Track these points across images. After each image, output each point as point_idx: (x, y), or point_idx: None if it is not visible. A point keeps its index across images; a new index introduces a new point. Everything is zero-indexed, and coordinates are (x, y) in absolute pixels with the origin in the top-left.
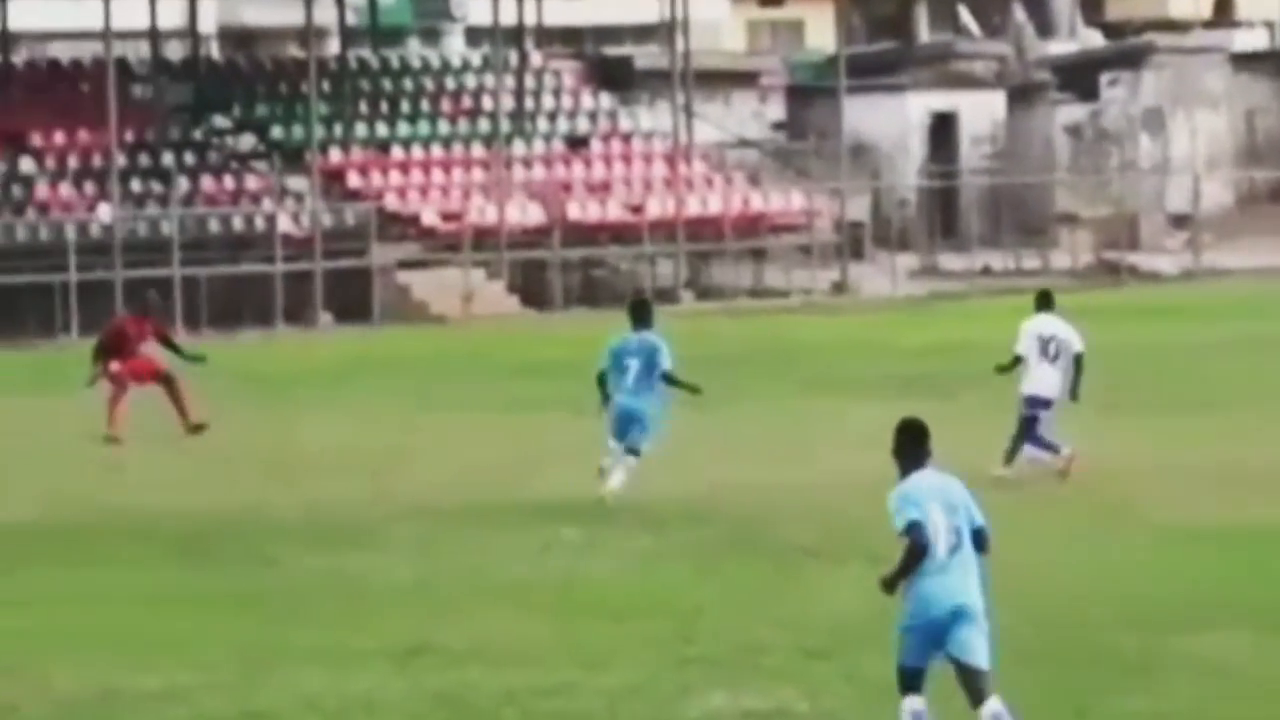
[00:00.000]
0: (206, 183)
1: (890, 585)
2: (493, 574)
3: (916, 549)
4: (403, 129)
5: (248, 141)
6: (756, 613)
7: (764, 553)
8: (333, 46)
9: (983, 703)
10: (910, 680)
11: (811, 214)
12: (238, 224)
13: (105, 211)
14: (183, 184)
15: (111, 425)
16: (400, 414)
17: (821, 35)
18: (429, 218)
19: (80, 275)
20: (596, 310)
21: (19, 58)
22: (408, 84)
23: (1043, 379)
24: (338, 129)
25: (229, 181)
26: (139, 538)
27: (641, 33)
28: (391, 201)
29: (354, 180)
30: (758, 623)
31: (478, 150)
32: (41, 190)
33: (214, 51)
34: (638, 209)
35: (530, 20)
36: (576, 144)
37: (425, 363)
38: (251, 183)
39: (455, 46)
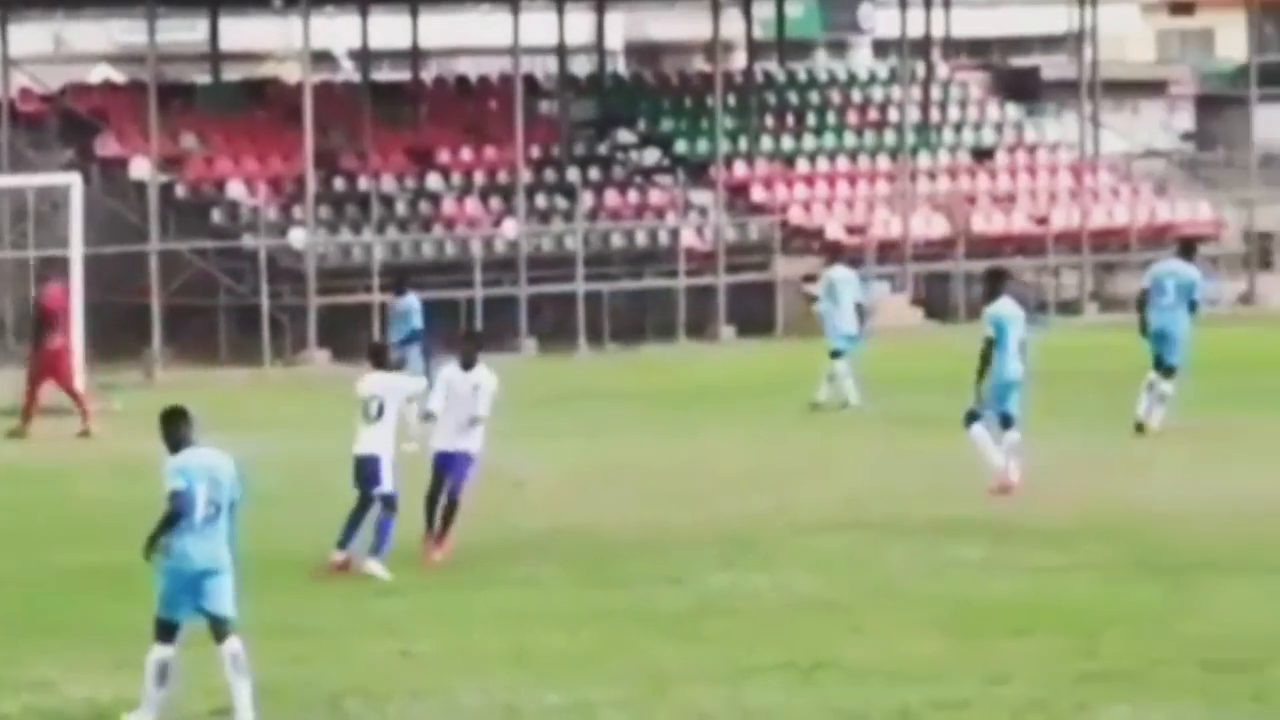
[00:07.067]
0: (611, 197)
1: (150, 542)
2: (892, 590)
3: (174, 513)
4: (808, 142)
5: (652, 156)
6: (1159, 628)
7: (1168, 569)
8: (739, 60)
9: (223, 642)
10: (164, 631)
11: (1219, 225)
12: (641, 239)
13: (510, 227)
14: (587, 199)
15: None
16: (800, 429)
17: (1232, 44)
18: (833, 230)
19: (486, 291)
20: None
21: (427, 74)
22: (814, 97)
23: None
24: (743, 142)
25: (633, 196)
26: (542, 556)
27: (1049, 43)
28: (796, 215)
29: (758, 194)
30: (1160, 638)
31: (883, 163)
32: (448, 206)
33: (620, 66)
34: (1042, 220)
35: (938, 32)
36: (982, 155)
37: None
38: (656, 197)
39: (862, 59)
